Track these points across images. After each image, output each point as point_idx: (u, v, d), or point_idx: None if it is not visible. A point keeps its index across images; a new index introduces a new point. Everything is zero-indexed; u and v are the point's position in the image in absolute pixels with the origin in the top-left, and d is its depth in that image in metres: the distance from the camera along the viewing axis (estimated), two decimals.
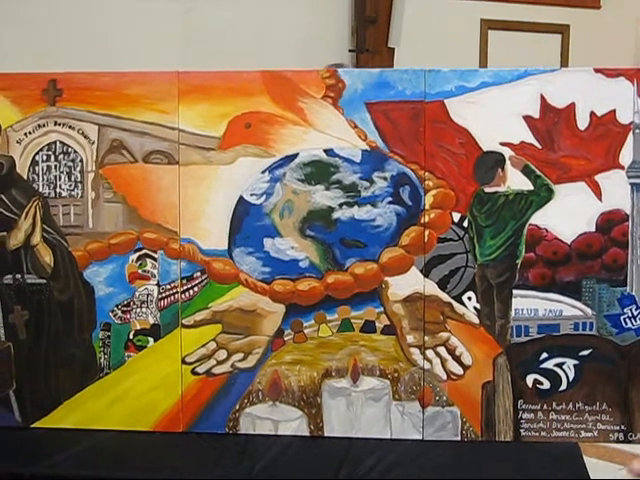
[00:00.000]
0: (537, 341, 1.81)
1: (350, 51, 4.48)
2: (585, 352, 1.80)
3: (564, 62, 4.55)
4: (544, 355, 1.80)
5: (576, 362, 1.80)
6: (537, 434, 1.82)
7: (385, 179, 1.81)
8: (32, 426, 1.91)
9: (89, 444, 1.84)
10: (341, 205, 1.82)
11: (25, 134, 1.88)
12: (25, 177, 1.88)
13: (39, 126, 1.87)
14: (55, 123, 1.87)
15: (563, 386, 1.81)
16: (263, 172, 1.83)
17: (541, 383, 1.81)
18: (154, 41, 3.81)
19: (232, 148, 1.83)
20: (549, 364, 1.80)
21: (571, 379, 1.80)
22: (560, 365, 1.80)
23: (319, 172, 1.82)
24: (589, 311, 1.79)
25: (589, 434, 1.81)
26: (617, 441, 1.81)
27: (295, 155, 1.82)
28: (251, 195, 1.83)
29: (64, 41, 3.62)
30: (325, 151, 1.82)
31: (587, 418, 1.81)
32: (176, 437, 1.88)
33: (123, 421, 1.89)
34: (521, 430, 1.82)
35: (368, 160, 1.81)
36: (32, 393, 1.91)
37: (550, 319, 1.80)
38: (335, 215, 1.82)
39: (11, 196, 1.88)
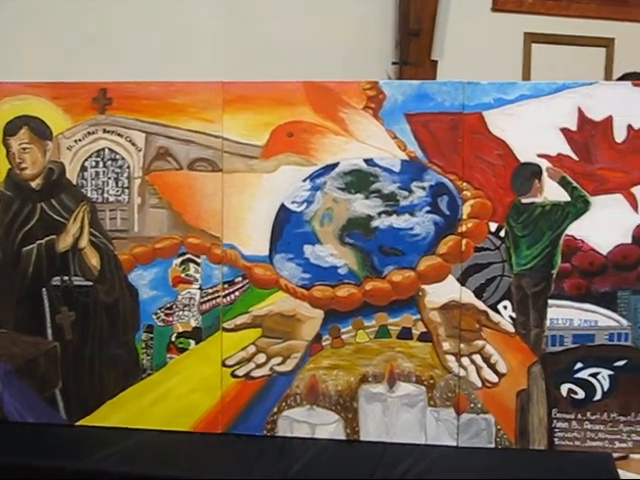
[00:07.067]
0: (572, 351, 1.82)
1: (393, 63, 4.47)
2: (620, 363, 1.81)
3: (608, 76, 4.50)
4: (579, 365, 1.81)
5: (611, 372, 1.81)
6: (571, 443, 1.83)
7: (423, 189, 1.84)
8: (76, 424, 1.97)
9: (131, 442, 1.89)
10: (380, 214, 1.85)
11: (75, 141, 1.94)
12: (74, 182, 1.95)
13: (89, 133, 1.94)
14: (104, 131, 1.93)
15: (597, 396, 1.82)
16: (304, 180, 1.87)
17: (575, 392, 1.82)
18: (201, 51, 3.88)
19: (274, 157, 1.88)
20: (584, 374, 1.82)
21: (606, 389, 1.81)
22: (595, 375, 1.81)
23: (359, 181, 1.85)
24: (624, 322, 1.80)
25: (623, 444, 1.82)
26: None
27: (336, 164, 1.86)
28: (292, 203, 1.87)
29: (115, 53, 3.70)
30: (365, 161, 1.85)
31: (622, 429, 1.82)
32: (215, 438, 1.92)
33: (164, 421, 1.94)
34: (555, 439, 1.83)
35: (407, 170, 1.84)
36: (77, 392, 1.96)
37: (585, 329, 1.81)
38: (374, 223, 1.85)
39: (61, 201, 1.94)
